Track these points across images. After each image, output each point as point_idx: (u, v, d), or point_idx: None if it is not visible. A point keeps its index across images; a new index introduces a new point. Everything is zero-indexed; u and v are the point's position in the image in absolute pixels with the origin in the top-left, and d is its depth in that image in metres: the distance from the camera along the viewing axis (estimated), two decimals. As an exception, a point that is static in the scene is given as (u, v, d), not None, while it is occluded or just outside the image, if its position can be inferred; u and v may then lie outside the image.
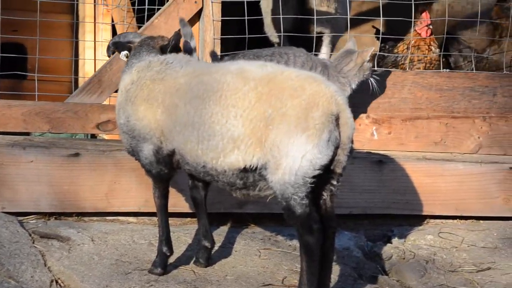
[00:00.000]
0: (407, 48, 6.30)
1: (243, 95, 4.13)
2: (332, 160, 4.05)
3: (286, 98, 4.05)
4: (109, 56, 5.30)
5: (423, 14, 6.27)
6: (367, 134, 5.69)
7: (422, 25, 6.35)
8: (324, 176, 4.09)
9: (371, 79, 5.36)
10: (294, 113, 4.01)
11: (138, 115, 4.46)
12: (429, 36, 6.31)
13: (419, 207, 5.49)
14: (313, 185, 4.03)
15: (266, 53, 5.34)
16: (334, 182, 4.16)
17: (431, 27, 6.33)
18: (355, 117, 4.64)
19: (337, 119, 4.05)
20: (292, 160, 4.00)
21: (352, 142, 4.14)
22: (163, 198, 4.60)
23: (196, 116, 4.23)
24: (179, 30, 4.93)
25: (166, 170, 4.51)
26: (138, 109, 4.46)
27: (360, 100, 5.55)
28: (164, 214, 4.61)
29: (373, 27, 7.21)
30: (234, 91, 4.16)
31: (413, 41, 6.35)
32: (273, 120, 4.04)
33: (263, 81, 4.14)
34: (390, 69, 5.84)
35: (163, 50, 4.64)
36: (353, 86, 5.34)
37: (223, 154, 4.15)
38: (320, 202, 4.18)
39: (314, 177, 4.01)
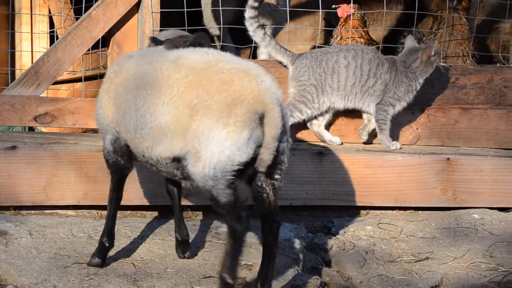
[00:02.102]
0: (341, 38, 6.32)
1: (173, 83, 4.12)
2: (254, 158, 4.02)
3: (213, 91, 4.02)
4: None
5: (343, 5, 6.29)
6: (307, 126, 5.71)
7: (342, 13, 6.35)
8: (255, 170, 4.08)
9: (441, 66, 5.66)
10: (218, 107, 3.99)
11: (100, 106, 4.51)
12: (359, 28, 6.32)
13: (359, 198, 5.53)
14: (234, 178, 4.02)
15: (334, 49, 5.60)
16: (276, 176, 4.14)
17: (354, 17, 6.31)
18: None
19: (262, 118, 4.00)
20: (211, 154, 3.99)
21: (285, 140, 4.09)
22: (116, 191, 4.55)
23: (133, 105, 4.23)
24: (202, 32, 4.93)
25: (122, 161, 4.49)
26: (101, 100, 4.50)
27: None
28: (113, 207, 4.58)
29: (324, 19, 7.23)
30: (166, 78, 4.15)
31: (338, 34, 6.37)
32: (197, 112, 4.02)
33: (195, 70, 4.11)
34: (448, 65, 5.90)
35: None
36: (420, 81, 5.61)
37: (153, 142, 4.15)
38: (263, 196, 4.17)
39: (234, 171, 4.00)
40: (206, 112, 4.00)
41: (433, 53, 5.55)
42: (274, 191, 4.18)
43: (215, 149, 3.98)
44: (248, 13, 5.51)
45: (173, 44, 4.78)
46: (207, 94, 4.03)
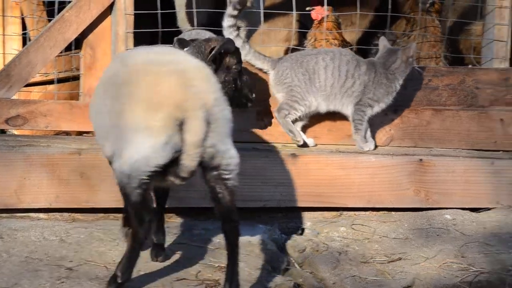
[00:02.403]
0: (315, 40, 6.34)
1: (112, 82, 4.22)
2: (175, 162, 4.05)
3: (140, 92, 4.07)
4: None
5: (317, 7, 6.31)
6: (280, 128, 5.72)
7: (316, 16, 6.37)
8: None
9: (416, 69, 5.69)
10: (140, 109, 4.03)
11: None
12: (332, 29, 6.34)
13: (332, 199, 5.54)
14: (148, 180, 4.07)
15: (313, 52, 5.66)
16: (226, 177, 4.17)
17: (328, 19, 6.33)
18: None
19: (182, 124, 4.01)
20: (130, 153, 4.05)
21: (221, 143, 4.09)
22: None
23: (97, 106, 4.34)
24: (227, 39, 5.02)
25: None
26: None
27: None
28: None
29: (298, 21, 7.25)
30: (108, 78, 4.28)
31: (313, 36, 6.39)
32: (125, 111, 4.07)
33: (131, 71, 4.17)
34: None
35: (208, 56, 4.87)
36: (400, 82, 5.64)
37: (103, 142, 4.29)
38: (219, 196, 4.20)
39: (149, 172, 4.05)
40: (132, 113, 4.06)
41: (411, 53, 5.59)
42: (228, 192, 4.21)
43: (133, 150, 4.04)
44: (227, 22, 5.51)
45: (198, 49, 4.90)
46: (135, 95, 4.08)
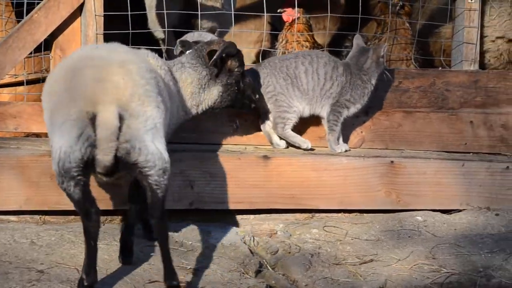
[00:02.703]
0: (286, 41, 6.35)
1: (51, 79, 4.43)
2: (91, 157, 4.14)
3: (63, 88, 4.23)
4: (176, 54, 5.28)
5: (288, 9, 6.32)
6: (254, 130, 5.72)
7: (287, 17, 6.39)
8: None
9: (385, 71, 5.68)
10: (62, 105, 4.19)
11: None
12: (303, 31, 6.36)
13: (304, 201, 5.54)
14: (79, 175, 4.16)
15: (291, 56, 5.63)
16: (148, 173, 4.22)
17: (299, 21, 6.36)
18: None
19: (93, 118, 4.09)
20: (54, 150, 4.19)
21: (138, 140, 4.15)
22: None
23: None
24: (229, 42, 5.08)
25: None
26: None
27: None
28: None
29: (269, 23, 7.26)
30: (52, 75, 4.49)
31: (284, 38, 6.40)
32: (55, 108, 4.24)
33: (61, 67, 4.42)
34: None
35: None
36: (373, 82, 5.64)
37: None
38: (146, 193, 4.30)
39: (75, 168, 4.13)
40: (59, 108, 4.20)
41: (382, 53, 5.61)
42: (150, 188, 4.27)
43: (56, 146, 4.18)
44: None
45: (199, 53, 5.00)
46: (58, 93, 4.26)
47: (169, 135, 4.72)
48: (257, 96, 5.32)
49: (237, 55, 5.10)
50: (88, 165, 4.16)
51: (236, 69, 5.11)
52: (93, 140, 4.10)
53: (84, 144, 4.11)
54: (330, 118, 5.58)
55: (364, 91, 5.61)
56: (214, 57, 4.97)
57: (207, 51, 5.01)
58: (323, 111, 5.61)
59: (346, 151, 5.64)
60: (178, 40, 5.20)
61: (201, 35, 5.35)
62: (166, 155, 4.29)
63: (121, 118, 4.12)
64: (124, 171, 4.29)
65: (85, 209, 4.22)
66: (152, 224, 4.37)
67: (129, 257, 4.71)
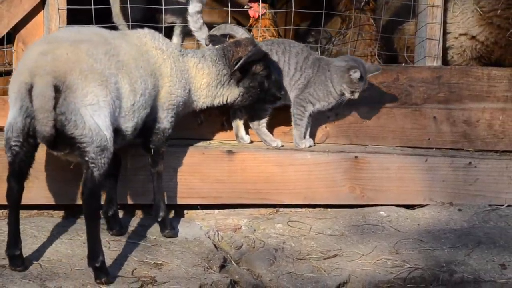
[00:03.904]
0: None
1: None
2: (31, 128, 4.26)
3: (19, 64, 4.46)
4: (206, 45, 5.36)
5: (254, 5, 6.33)
6: (218, 125, 5.70)
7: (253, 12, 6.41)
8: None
9: (345, 98, 5.59)
10: (12, 80, 4.42)
11: None
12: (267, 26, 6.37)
13: (269, 196, 5.55)
14: (16, 145, 4.31)
15: (267, 43, 5.61)
16: (83, 149, 4.29)
17: (265, 16, 6.38)
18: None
19: (31, 89, 4.20)
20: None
21: (75, 114, 4.25)
22: None
23: None
24: (254, 46, 5.15)
25: None
26: None
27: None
28: None
29: (234, 18, 7.25)
30: None
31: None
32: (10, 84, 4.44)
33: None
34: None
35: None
36: (334, 84, 5.54)
37: None
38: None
39: (15, 138, 4.30)
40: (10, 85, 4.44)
41: (354, 77, 5.51)
42: (86, 165, 4.35)
43: (7, 121, 4.37)
44: (194, 7, 5.45)
45: (225, 53, 5.13)
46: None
47: (159, 117, 4.88)
48: (282, 92, 5.39)
49: (264, 58, 5.19)
50: (29, 136, 4.28)
51: (260, 72, 5.20)
52: (31, 111, 4.20)
53: (23, 114, 4.23)
54: (294, 112, 5.57)
55: (328, 90, 5.57)
56: (238, 65, 5.06)
57: (232, 55, 5.10)
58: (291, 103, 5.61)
59: (310, 146, 5.64)
60: (207, 35, 5.27)
61: (232, 28, 5.34)
62: (107, 133, 4.34)
63: (57, 90, 4.20)
64: (64, 145, 4.33)
65: (8, 178, 4.39)
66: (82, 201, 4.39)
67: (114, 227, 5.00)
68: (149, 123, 4.84)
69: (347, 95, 5.53)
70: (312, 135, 5.79)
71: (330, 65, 5.58)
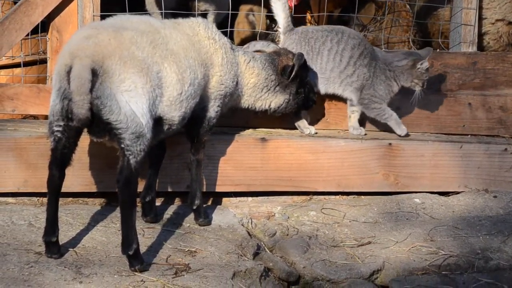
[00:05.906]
0: None
1: None
2: (69, 110, 4.27)
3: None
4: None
5: None
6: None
7: None
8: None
9: (418, 92, 5.55)
10: (56, 62, 4.44)
11: None
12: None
13: (302, 183, 5.54)
14: (58, 129, 4.33)
15: (325, 28, 5.58)
16: (119, 136, 4.30)
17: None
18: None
19: (69, 71, 4.22)
20: None
21: (103, 97, 4.24)
22: None
23: None
24: (299, 55, 5.21)
25: None
26: None
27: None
28: None
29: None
30: None
31: None
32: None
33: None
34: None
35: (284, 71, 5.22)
36: (401, 83, 5.55)
37: None
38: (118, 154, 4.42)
39: (55, 121, 4.32)
40: None
41: (419, 66, 5.50)
42: (121, 151, 4.35)
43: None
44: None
45: (273, 61, 5.23)
46: None
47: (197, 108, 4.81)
48: (316, 96, 5.46)
49: (304, 64, 5.23)
50: (69, 119, 4.28)
51: (306, 80, 5.29)
52: (68, 92, 4.21)
53: (61, 96, 4.26)
54: (371, 115, 5.63)
55: (390, 89, 5.55)
56: (293, 74, 5.15)
57: (278, 63, 5.19)
58: (346, 93, 5.58)
59: (363, 134, 5.64)
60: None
61: (263, 44, 5.45)
62: (143, 120, 4.33)
63: (94, 74, 4.21)
64: (103, 131, 4.33)
65: (49, 162, 4.39)
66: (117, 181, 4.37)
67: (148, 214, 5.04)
68: (197, 112, 4.84)
69: (418, 88, 5.52)
70: (346, 123, 5.75)
71: (390, 65, 5.53)
